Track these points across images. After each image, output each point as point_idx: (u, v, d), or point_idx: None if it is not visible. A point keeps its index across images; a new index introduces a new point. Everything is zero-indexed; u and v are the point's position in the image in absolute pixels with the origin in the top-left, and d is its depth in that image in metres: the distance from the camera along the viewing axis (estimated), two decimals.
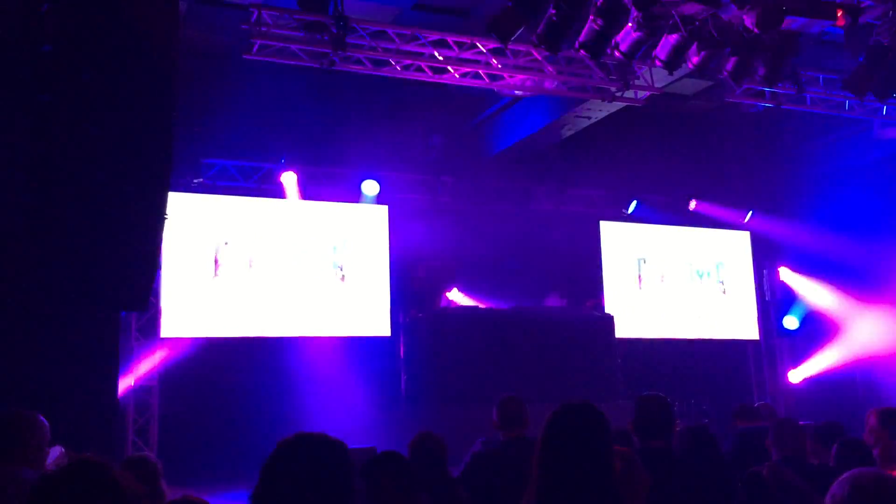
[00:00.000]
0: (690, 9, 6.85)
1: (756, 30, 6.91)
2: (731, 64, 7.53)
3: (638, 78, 9.32)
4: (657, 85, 9.40)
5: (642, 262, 13.25)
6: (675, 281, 13.41)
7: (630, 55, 7.17)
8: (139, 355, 9.81)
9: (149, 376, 9.83)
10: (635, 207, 13.10)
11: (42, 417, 3.49)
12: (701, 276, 13.66)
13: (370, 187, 11.46)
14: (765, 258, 13.98)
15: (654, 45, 7.25)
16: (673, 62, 7.22)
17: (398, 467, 3.35)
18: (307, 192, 11.36)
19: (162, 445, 9.62)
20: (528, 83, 9.34)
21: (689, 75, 8.85)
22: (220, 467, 9.21)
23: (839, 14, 7.19)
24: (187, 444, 9.54)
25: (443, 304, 11.42)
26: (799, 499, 3.65)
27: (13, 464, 3.28)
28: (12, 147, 4.71)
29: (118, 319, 6.66)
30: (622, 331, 12.02)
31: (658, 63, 7.46)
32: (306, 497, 2.03)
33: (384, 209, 11.71)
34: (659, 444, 3.64)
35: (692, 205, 13.43)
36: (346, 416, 10.13)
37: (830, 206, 12.97)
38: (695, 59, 7.27)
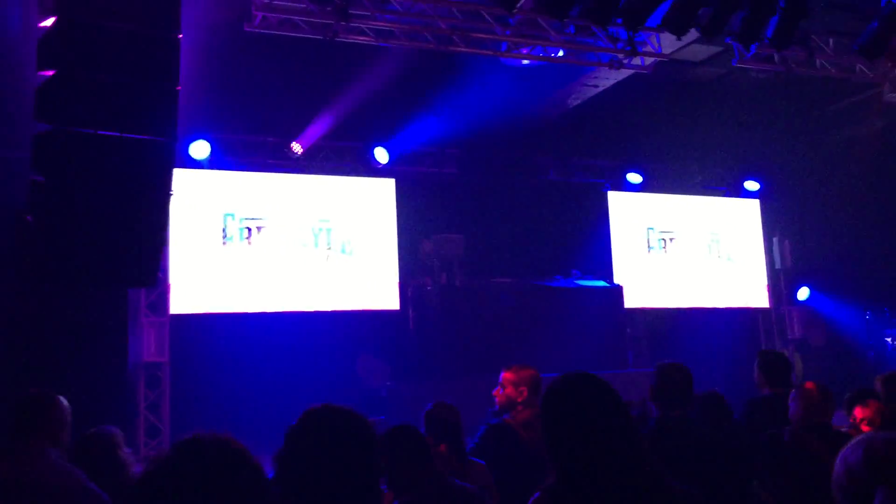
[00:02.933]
0: None
1: None
2: (739, 27, 7.41)
3: (645, 45, 9.20)
4: (665, 52, 9.29)
5: (651, 231, 13.19)
6: (684, 250, 13.35)
7: (636, 20, 7.06)
8: (149, 331, 9.84)
9: (159, 352, 9.86)
10: (640, 180, 13.01)
11: (62, 399, 3.52)
12: (710, 245, 13.60)
13: (382, 154, 11.40)
14: (774, 226, 13.90)
15: (662, 10, 7.15)
16: (680, 26, 7.11)
17: (413, 440, 3.34)
18: (314, 166, 11.34)
19: (174, 421, 9.68)
20: (535, 52, 9.24)
21: (697, 41, 8.74)
22: None
23: None
24: (199, 418, 9.57)
25: (450, 276, 11.37)
26: (818, 465, 3.63)
27: (40, 441, 3.32)
28: (16, 127, 4.69)
29: (126, 296, 6.69)
30: (631, 300, 12.00)
31: (665, 27, 7.35)
32: (334, 465, 2.02)
33: (391, 182, 11.66)
34: (678, 413, 3.62)
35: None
36: (356, 390, 10.17)
37: (840, 172, 12.88)
38: (703, 23, 7.15)
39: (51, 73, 4.78)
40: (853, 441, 2.07)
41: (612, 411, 2.31)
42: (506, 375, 4.64)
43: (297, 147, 10.94)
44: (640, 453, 2.28)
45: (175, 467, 1.65)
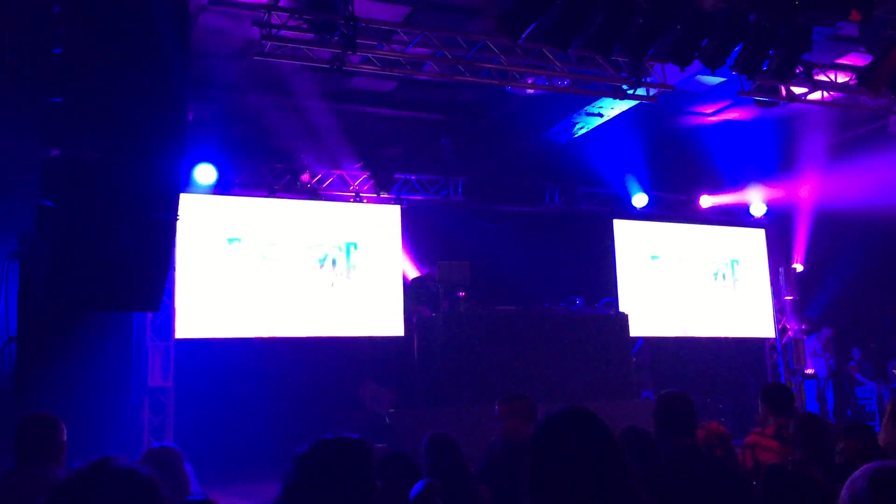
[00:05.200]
0: (701, 3, 6.81)
1: (767, 24, 6.87)
2: (743, 58, 7.48)
3: (650, 75, 9.27)
4: (669, 81, 9.36)
5: (656, 260, 13.19)
6: (689, 279, 13.34)
7: (640, 52, 7.13)
8: (154, 356, 9.85)
9: (164, 377, 9.86)
10: (646, 202, 13.00)
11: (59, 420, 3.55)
12: (716, 274, 13.59)
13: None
14: (780, 256, 13.90)
15: (665, 41, 7.21)
16: (684, 58, 7.18)
17: (407, 468, 3.34)
18: (321, 193, 11.40)
19: (178, 446, 9.64)
20: (540, 81, 9.32)
21: (702, 72, 8.80)
22: (235, 467, 9.25)
23: (852, 9, 7.13)
24: (202, 444, 9.55)
25: (456, 303, 11.38)
26: (821, 497, 3.60)
27: (49, 463, 3.34)
28: (25, 149, 4.74)
29: (131, 320, 6.71)
30: (636, 329, 11.96)
31: (669, 59, 7.41)
32: (335, 494, 2.04)
33: (397, 209, 11.71)
34: (685, 442, 3.60)
35: (704, 201, 13.42)
36: (360, 416, 10.15)
37: (848, 203, 12.91)
38: (706, 54, 7.22)
39: (59, 98, 4.84)
40: (861, 469, 2.13)
41: (602, 452, 2.26)
42: (501, 409, 4.70)
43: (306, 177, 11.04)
44: (629, 492, 2.25)
45: (74, 494, 1.64)
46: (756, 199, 13.60)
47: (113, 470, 1.70)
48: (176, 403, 9.86)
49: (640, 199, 12.97)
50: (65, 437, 3.51)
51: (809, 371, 13.30)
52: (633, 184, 12.89)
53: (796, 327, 13.58)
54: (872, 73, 8.16)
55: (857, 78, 8.60)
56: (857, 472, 2.14)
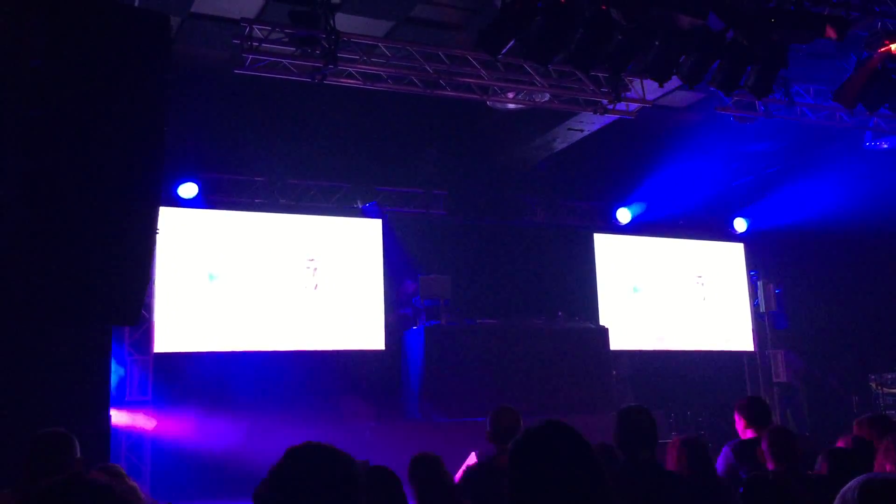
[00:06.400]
0: (678, 20, 6.88)
1: (745, 41, 6.95)
2: (720, 75, 7.56)
3: (629, 90, 9.36)
4: (648, 97, 9.44)
5: (636, 273, 13.25)
6: (669, 292, 13.41)
7: (619, 67, 7.19)
8: (132, 370, 9.77)
9: (142, 391, 9.78)
10: (630, 218, 13.09)
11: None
12: (695, 288, 13.66)
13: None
14: (759, 270, 14.00)
15: (644, 58, 7.28)
16: (662, 74, 7.25)
17: (388, 483, 3.34)
18: (301, 206, 11.38)
19: (155, 461, 9.57)
20: (520, 96, 9.37)
21: (680, 87, 8.89)
22: (213, 482, 9.17)
23: (827, 27, 7.24)
24: (180, 459, 9.48)
25: (437, 316, 11.38)
26: None
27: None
28: (3, 161, 4.71)
29: (110, 334, 6.65)
30: (617, 343, 12.01)
31: (647, 75, 7.48)
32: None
33: (378, 223, 11.71)
34: (645, 457, 3.62)
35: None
36: (340, 430, 10.10)
37: (822, 217, 13.04)
38: (685, 70, 7.29)
39: (37, 111, 4.82)
40: (855, 480, 2.16)
41: (581, 466, 2.26)
42: (490, 418, 4.69)
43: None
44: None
45: None
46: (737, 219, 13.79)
47: (87, 485, 1.68)
48: (154, 417, 9.77)
49: (624, 215, 13.05)
50: (77, 451, 3.49)
51: (787, 383, 13.39)
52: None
53: (774, 340, 13.67)
54: (847, 89, 8.27)
55: (832, 94, 8.72)
56: (850, 483, 2.16)
